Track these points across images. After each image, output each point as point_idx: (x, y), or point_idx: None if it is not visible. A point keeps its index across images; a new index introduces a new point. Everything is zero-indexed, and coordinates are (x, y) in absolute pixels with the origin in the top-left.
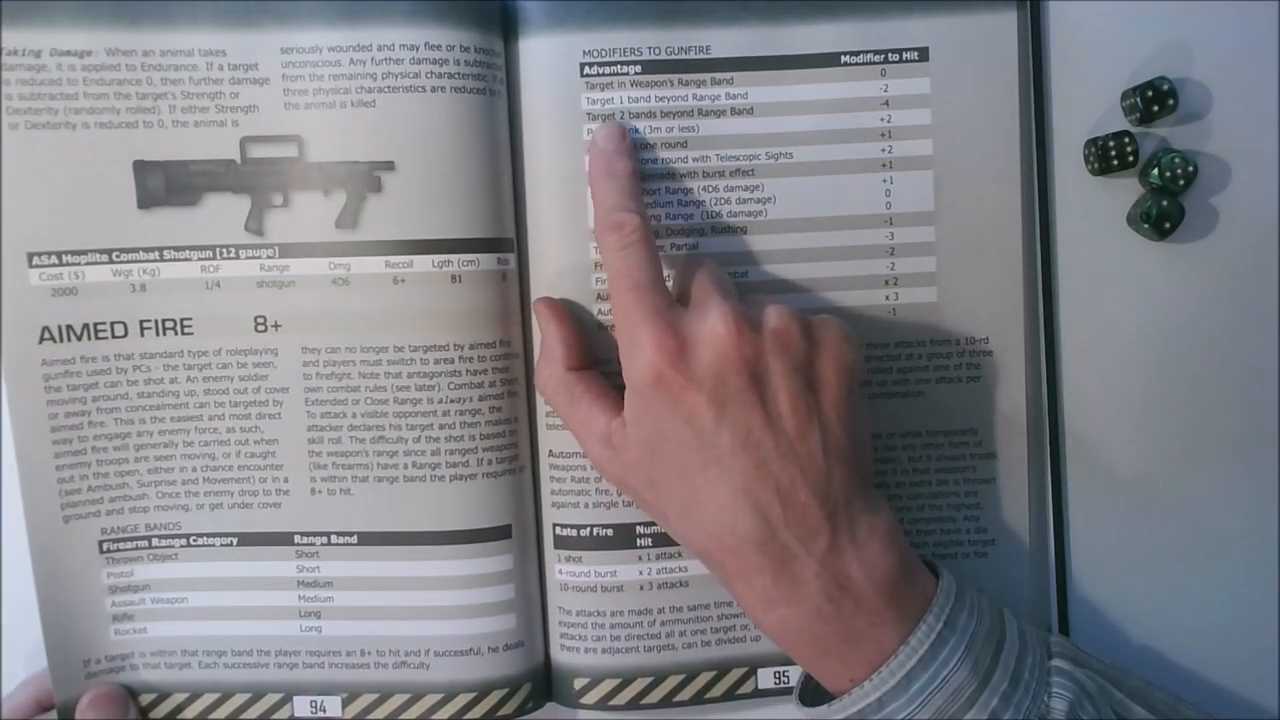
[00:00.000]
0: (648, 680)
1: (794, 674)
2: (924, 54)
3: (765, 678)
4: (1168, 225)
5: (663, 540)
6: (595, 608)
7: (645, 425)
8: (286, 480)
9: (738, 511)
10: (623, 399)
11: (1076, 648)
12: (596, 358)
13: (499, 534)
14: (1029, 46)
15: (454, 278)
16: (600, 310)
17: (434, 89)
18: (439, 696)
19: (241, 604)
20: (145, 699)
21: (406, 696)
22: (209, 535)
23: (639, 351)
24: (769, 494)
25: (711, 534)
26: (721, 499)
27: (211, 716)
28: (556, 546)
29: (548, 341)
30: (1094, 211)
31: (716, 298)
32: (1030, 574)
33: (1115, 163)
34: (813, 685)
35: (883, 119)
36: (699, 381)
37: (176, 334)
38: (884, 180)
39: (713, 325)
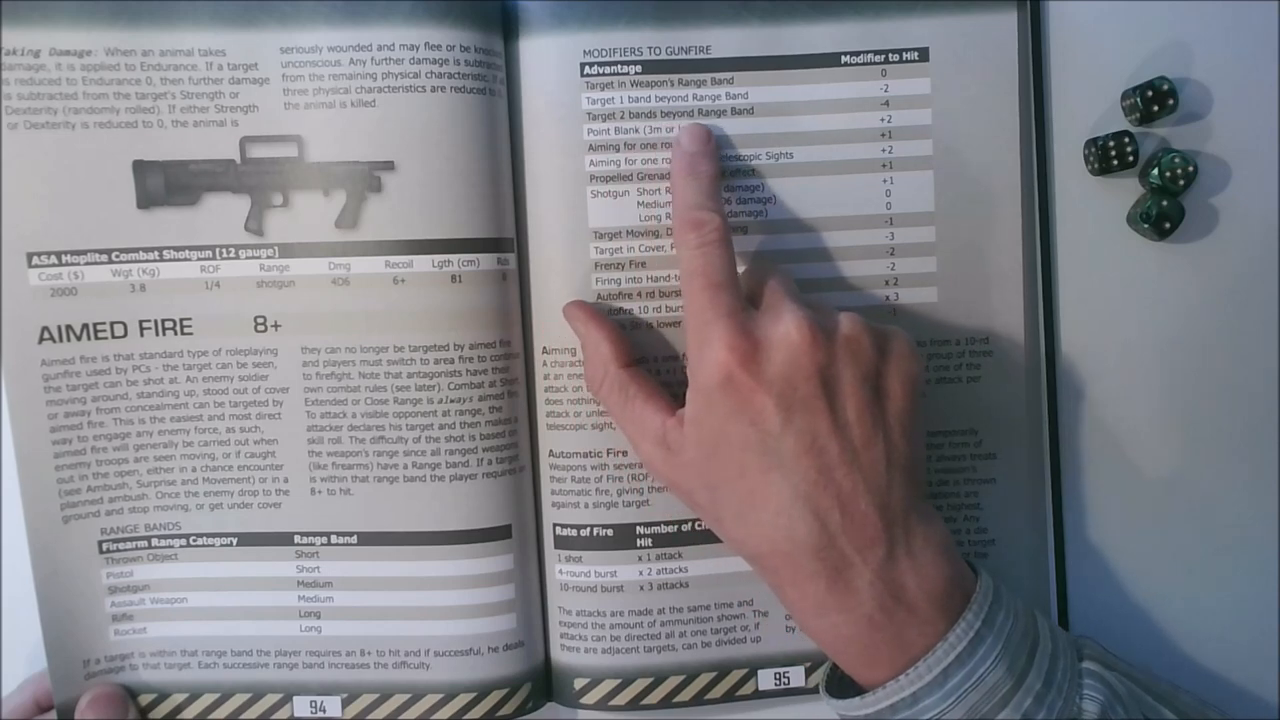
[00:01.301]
0: (648, 681)
1: (794, 675)
2: (924, 54)
3: (766, 679)
4: (1168, 225)
5: (663, 541)
6: (595, 608)
7: (707, 425)
8: (286, 480)
9: (796, 516)
10: (672, 399)
11: (1105, 650)
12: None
13: (499, 534)
14: (1029, 46)
15: (454, 278)
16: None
17: (434, 89)
18: (439, 696)
19: (241, 604)
20: (145, 699)
21: (406, 697)
22: (209, 535)
23: (710, 350)
24: (829, 501)
25: (768, 538)
26: (781, 503)
27: (211, 717)
28: (557, 546)
29: (592, 341)
30: (1094, 211)
31: (790, 302)
32: (1030, 574)
33: (1115, 163)
34: (839, 675)
35: (883, 119)
36: (768, 384)
37: (176, 334)
38: (884, 180)
39: (786, 329)
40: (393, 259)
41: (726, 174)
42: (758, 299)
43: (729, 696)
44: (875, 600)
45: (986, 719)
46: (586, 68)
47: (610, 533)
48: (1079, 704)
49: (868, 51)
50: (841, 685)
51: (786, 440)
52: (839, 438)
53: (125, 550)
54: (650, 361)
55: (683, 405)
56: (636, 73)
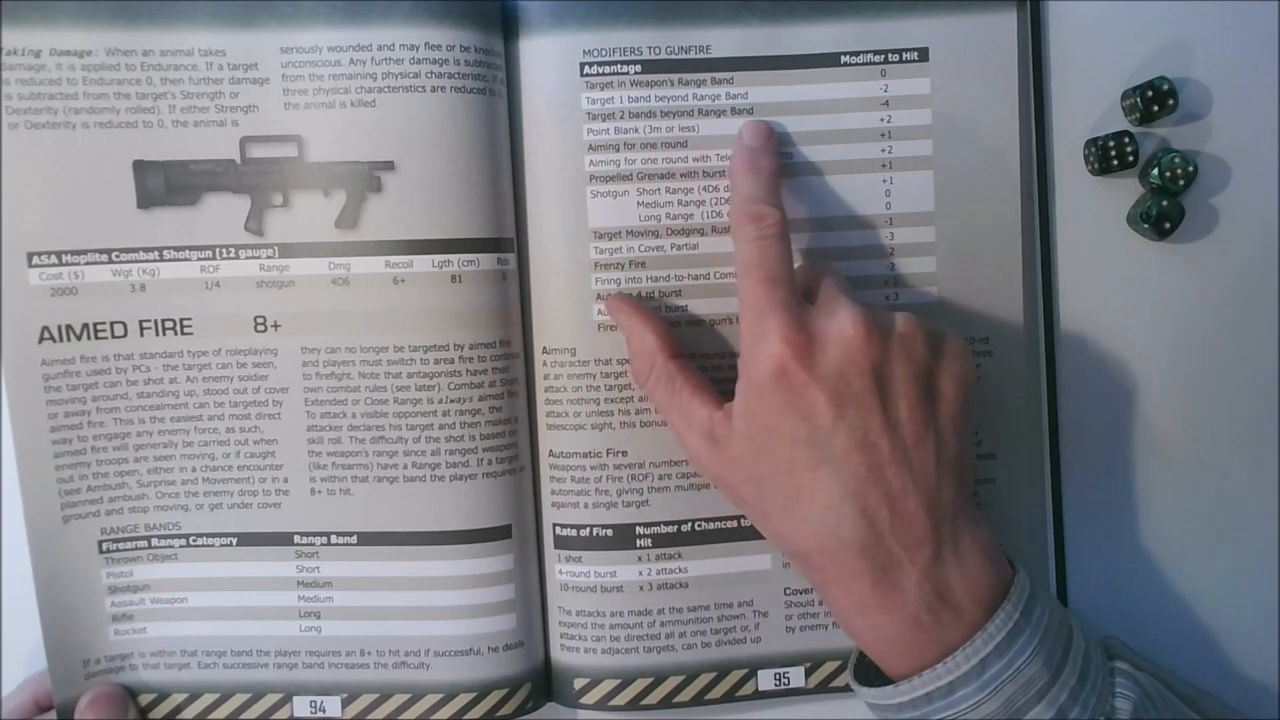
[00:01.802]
0: (648, 681)
1: (794, 676)
2: (924, 54)
3: (766, 679)
4: (1168, 225)
5: (662, 541)
6: (595, 608)
7: (758, 419)
8: (286, 480)
9: (845, 513)
10: (719, 393)
11: (1130, 649)
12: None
13: (499, 534)
14: (1029, 46)
15: (454, 278)
16: (599, 310)
17: (434, 89)
18: (439, 696)
19: (241, 604)
20: (145, 699)
21: (406, 696)
22: (208, 535)
23: (765, 343)
24: (879, 499)
25: (814, 535)
26: (829, 499)
27: (211, 717)
28: (556, 546)
29: (637, 333)
30: (1094, 211)
31: (846, 299)
32: (1030, 573)
33: (1115, 163)
34: (867, 662)
35: (883, 119)
36: (822, 379)
37: (176, 334)
38: (884, 180)
39: (842, 325)
40: (393, 259)
41: (725, 174)
42: (812, 295)
43: (729, 697)
44: (921, 600)
45: (1021, 713)
46: (586, 67)
47: (610, 533)
48: (1112, 702)
49: (867, 51)
50: (869, 673)
51: (838, 436)
52: (890, 435)
53: (125, 550)
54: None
55: (727, 400)
56: (636, 72)
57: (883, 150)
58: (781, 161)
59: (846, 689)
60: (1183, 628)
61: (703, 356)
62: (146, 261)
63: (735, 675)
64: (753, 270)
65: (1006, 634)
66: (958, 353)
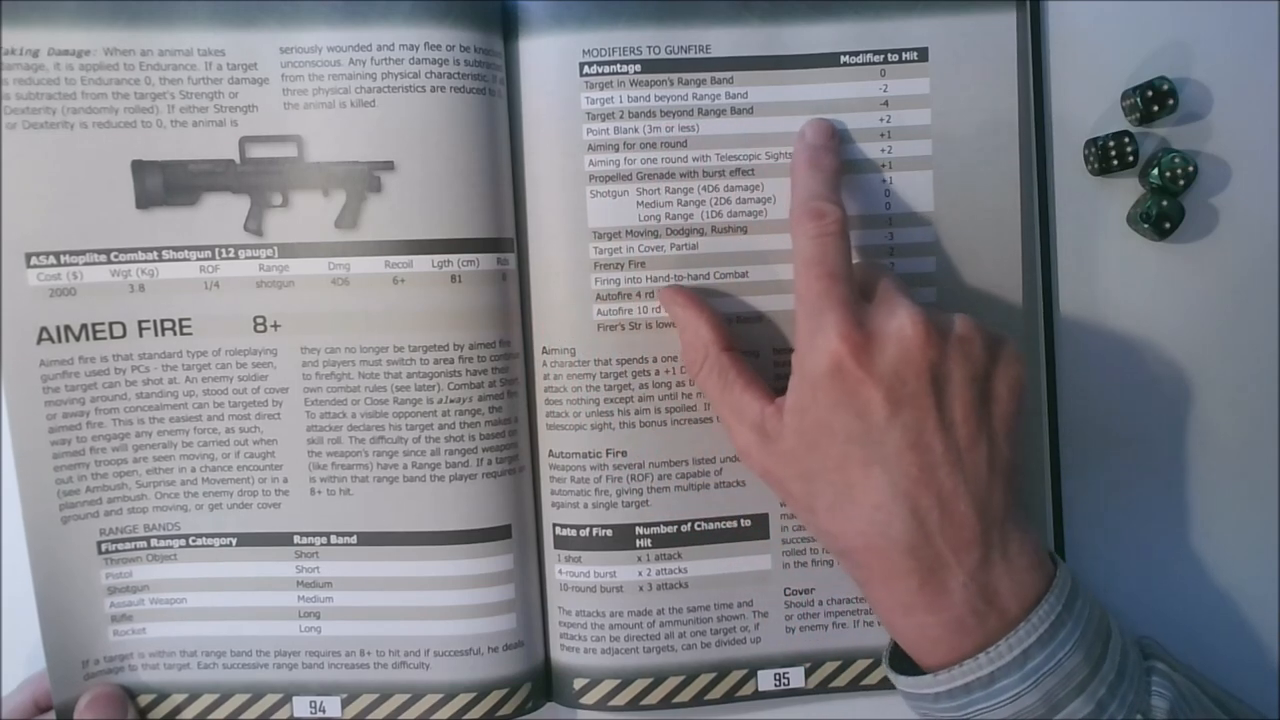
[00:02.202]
0: (647, 681)
1: (794, 676)
2: (923, 54)
3: (765, 679)
4: (1168, 225)
5: (662, 541)
6: (595, 608)
7: (810, 414)
8: (286, 480)
9: (895, 512)
10: (770, 387)
11: (1165, 650)
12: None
13: (499, 534)
14: (1029, 46)
15: (454, 278)
16: (599, 310)
17: (434, 89)
18: (439, 696)
19: (241, 604)
20: (144, 700)
21: (406, 697)
22: (208, 536)
23: (822, 339)
24: (930, 499)
25: (862, 533)
26: (880, 498)
27: (210, 717)
28: (556, 546)
29: (692, 325)
30: (1094, 211)
31: (904, 299)
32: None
33: (1115, 163)
34: (901, 651)
35: (882, 119)
36: (879, 377)
37: (175, 334)
38: (884, 180)
39: (900, 323)
40: (392, 259)
41: (727, 173)
42: (870, 294)
43: (729, 697)
44: (967, 603)
45: (1060, 707)
46: (586, 67)
47: (610, 533)
48: (1148, 701)
49: (867, 51)
50: (904, 661)
51: (891, 434)
52: (944, 436)
53: (124, 551)
54: (649, 361)
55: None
56: (636, 72)
57: (882, 150)
58: (781, 163)
59: (846, 689)
60: (1183, 627)
61: None
62: (145, 262)
63: (735, 675)
64: (812, 266)
65: (1049, 626)
66: (1014, 358)
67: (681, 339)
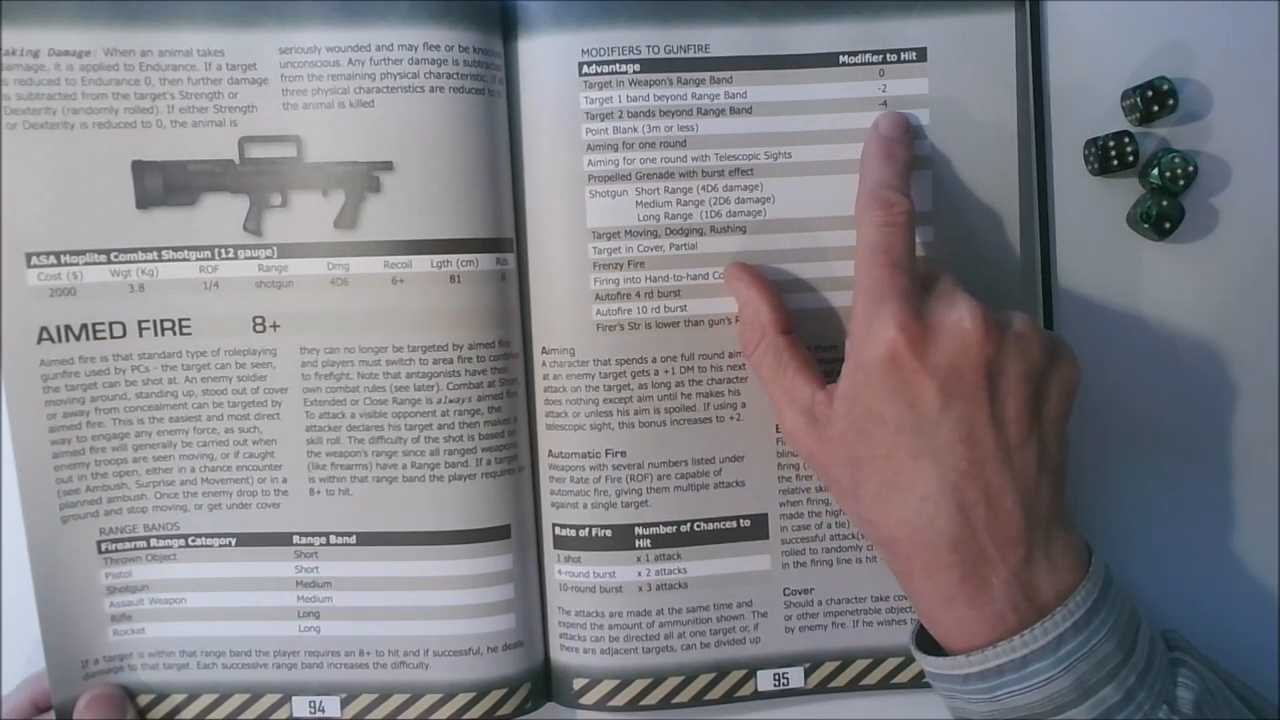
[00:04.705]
0: (647, 681)
1: (793, 676)
2: (922, 54)
3: (765, 679)
4: (1168, 225)
5: (661, 541)
6: (594, 608)
7: (862, 401)
8: (285, 480)
9: (941, 505)
10: (822, 373)
11: (1189, 643)
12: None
13: (498, 534)
14: (1028, 46)
15: (453, 278)
16: (599, 310)
17: (433, 89)
18: (438, 696)
19: (240, 604)
20: (143, 700)
21: (406, 696)
22: (207, 536)
23: (880, 327)
24: (976, 494)
25: (907, 523)
26: (927, 489)
27: (210, 717)
28: (556, 546)
29: (752, 304)
30: (1094, 211)
31: (963, 294)
32: None
33: (1115, 163)
34: (926, 635)
35: None
36: (933, 369)
37: (175, 334)
38: None
39: (959, 317)
40: (391, 259)
41: (726, 173)
42: (930, 289)
43: (728, 697)
44: (1008, 600)
45: (1090, 693)
46: (585, 67)
47: (609, 533)
48: (1174, 692)
49: (865, 51)
50: (928, 644)
51: (943, 427)
52: (995, 432)
53: (124, 550)
54: (649, 361)
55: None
56: (635, 72)
57: None
58: (781, 162)
59: (845, 689)
60: (1184, 625)
61: (701, 357)
62: (145, 262)
63: (734, 676)
64: (876, 254)
65: (1085, 612)
66: (1070, 360)
67: (741, 316)
